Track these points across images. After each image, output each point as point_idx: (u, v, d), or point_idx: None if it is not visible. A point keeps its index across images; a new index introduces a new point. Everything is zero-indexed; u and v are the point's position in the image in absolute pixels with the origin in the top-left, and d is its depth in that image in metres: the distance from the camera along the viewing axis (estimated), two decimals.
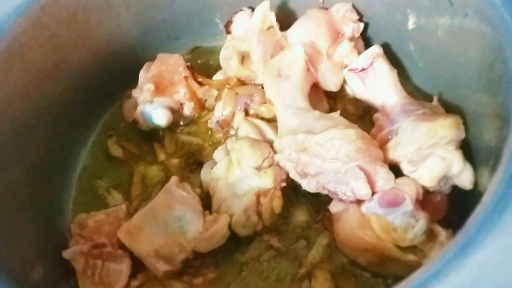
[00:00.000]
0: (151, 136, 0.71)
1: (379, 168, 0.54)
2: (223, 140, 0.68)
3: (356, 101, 0.69)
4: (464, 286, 0.31)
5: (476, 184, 0.54)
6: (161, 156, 0.69)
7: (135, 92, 0.69)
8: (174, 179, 0.60)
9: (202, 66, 0.77)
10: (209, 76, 0.73)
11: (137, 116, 0.68)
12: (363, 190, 0.52)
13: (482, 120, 0.55)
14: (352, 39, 0.68)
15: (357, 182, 0.53)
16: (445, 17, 0.57)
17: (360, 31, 0.69)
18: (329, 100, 0.69)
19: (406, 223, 0.51)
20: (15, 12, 0.58)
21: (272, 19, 0.68)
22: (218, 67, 0.74)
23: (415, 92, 0.68)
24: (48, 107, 0.65)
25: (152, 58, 0.72)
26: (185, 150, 0.70)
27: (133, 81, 0.72)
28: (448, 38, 0.58)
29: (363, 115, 0.68)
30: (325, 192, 0.56)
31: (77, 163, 0.71)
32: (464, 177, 0.54)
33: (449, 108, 0.61)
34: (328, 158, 0.54)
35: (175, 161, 0.68)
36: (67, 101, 0.67)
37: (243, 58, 0.70)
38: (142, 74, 0.70)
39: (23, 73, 0.59)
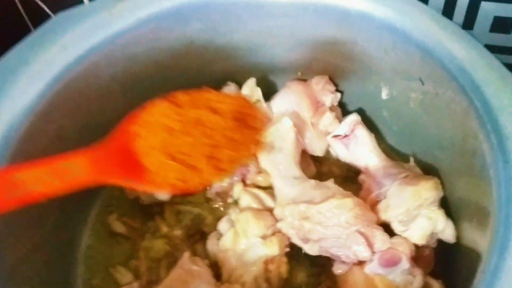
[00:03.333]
0: (151, 209, 0.74)
1: (376, 230, 0.60)
2: (222, 208, 0.73)
3: (340, 163, 0.76)
4: None
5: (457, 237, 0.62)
6: (164, 229, 0.72)
7: None
8: (186, 255, 0.63)
9: None
10: None
11: (140, 192, 0.72)
12: (365, 253, 0.59)
13: (457, 178, 0.63)
14: (332, 108, 0.76)
15: (359, 246, 0.59)
16: (416, 93, 0.65)
17: (338, 100, 0.77)
18: (315, 163, 0.76)
19: (406, 280, 0.57)
20: None
21: (258, 93, 0.75)
22: None
23: (390, 151, 0.76)
24: None
25: None
26: (186, 221, 0.73)
27: None
28: (419, 110, 0.67)
29: (347, 175, 0.75)
30: (328, 254, 0.62)
31: (81, 242, 0.71)
32: (448, 233, 0.62)
33: (425, 168, 0.69)
34: (330, 225, 0.61)
35: (177, 232, 0.71)
36: None
37: None
38: None
39: None
